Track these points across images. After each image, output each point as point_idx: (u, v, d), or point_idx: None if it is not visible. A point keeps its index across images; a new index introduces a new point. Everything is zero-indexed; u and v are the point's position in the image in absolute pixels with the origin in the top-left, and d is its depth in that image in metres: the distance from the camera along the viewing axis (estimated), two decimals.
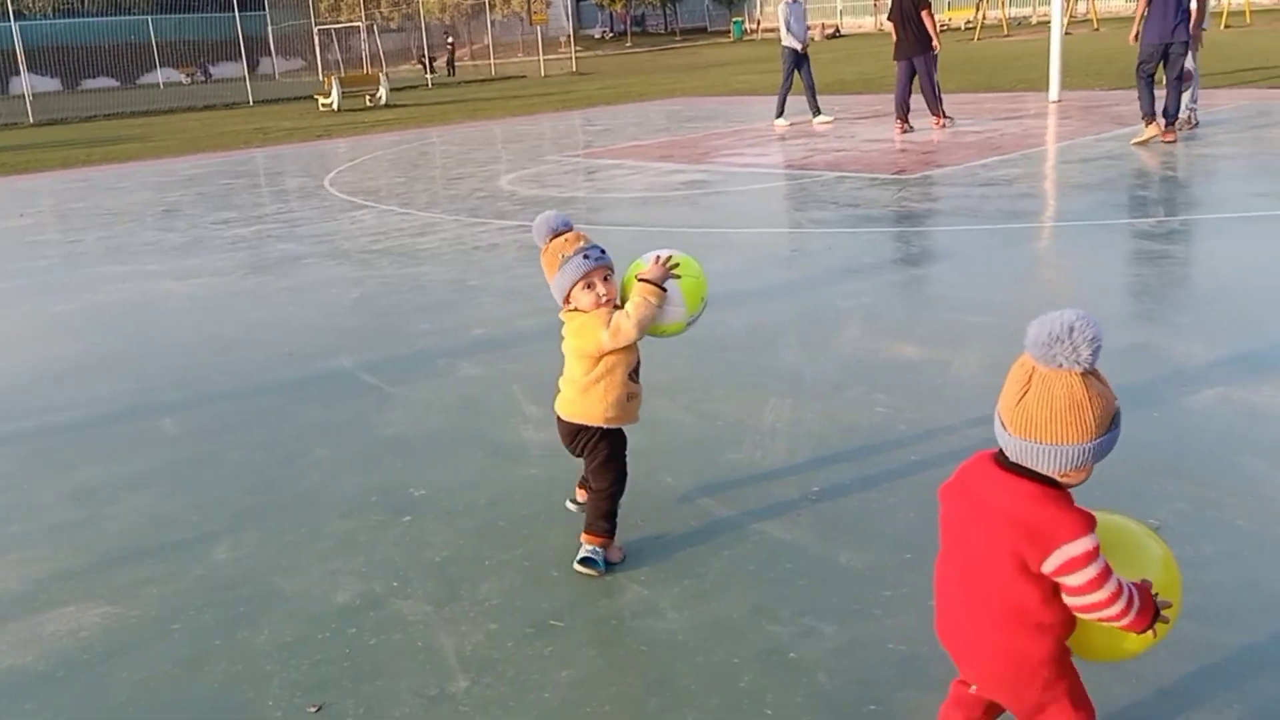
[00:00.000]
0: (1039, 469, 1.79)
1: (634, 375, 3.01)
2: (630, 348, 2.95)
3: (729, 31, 51.17)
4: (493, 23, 47.01)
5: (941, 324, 5.15)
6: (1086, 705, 1.93)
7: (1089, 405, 1.73)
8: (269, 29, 42.76)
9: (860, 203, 8.71)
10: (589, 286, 2.89)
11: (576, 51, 41.98)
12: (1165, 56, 9.81)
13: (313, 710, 2.47)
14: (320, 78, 32.02)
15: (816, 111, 14.31)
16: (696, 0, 56.91)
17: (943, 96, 12.97)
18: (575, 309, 2.95)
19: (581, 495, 3.24)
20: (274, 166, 14.87)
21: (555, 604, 2.86)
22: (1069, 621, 1.85)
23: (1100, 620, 1.81)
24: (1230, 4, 31.97)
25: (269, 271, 7.53)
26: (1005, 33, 36.85)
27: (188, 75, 49.13)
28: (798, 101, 14.57)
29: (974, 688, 2.05)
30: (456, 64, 41.86)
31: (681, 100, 21.35)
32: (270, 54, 46.70)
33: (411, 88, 32.87)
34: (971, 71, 21.70)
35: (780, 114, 14.41)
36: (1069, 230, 7.09)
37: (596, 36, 55.57)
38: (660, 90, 24.36)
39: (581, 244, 2.92)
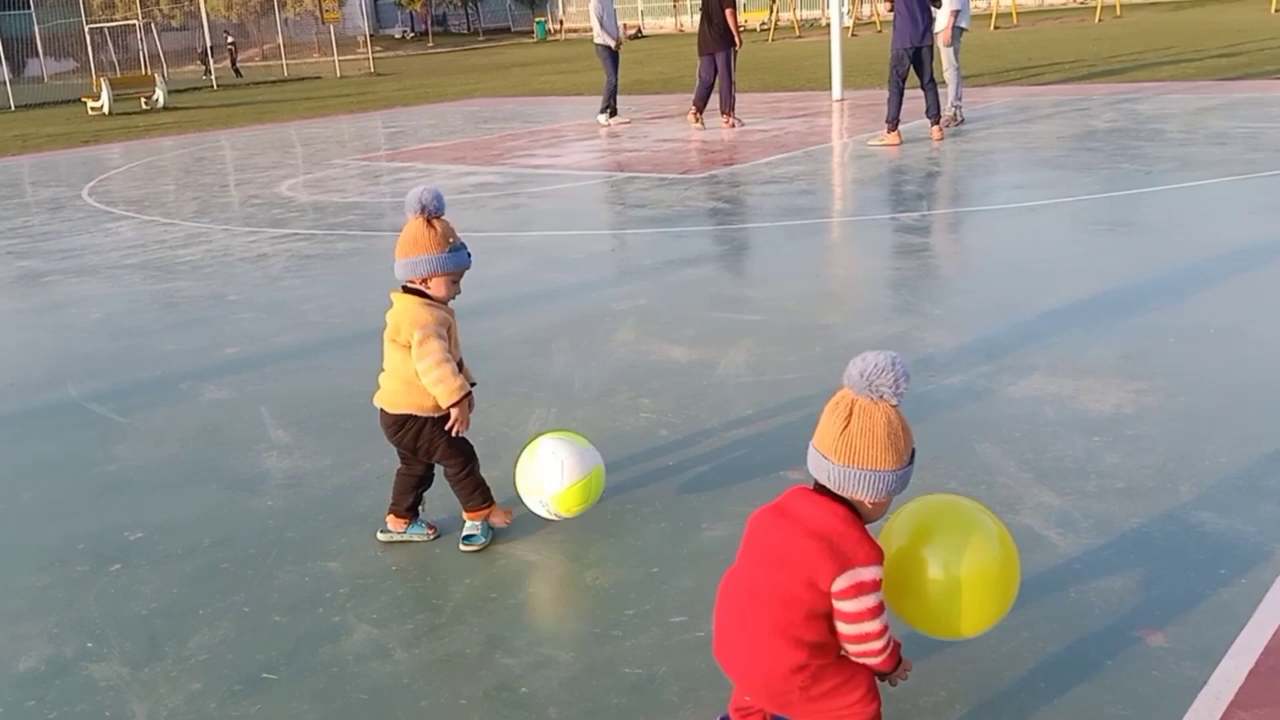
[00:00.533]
0: (857, 494, 1.93)
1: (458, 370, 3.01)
2: (449, 348, 2.94)
3: (533, 32, 50.93)
4: (285, 21, 45.16)
5: (712, 324, 5.15)
6: (868, 698, 1.97)
7: (902, 433, 1.92)
8: (35, 28, 39.51)
9: (646, 203, 8.70)
10: (455, 281, 2.96)
11: (376, 52, 40.79)
12: (916, 60, 10.24)
13: None
14: (95, 80, 29.80)
15: (613, 112, 14.30)
16: (498, 1, 56.31)
17: (735, 96, 13.20)
18: (419, 292, 2.92)
19: (395, 524, 3.14)
20: (29, 176, 13.66)
21: (272, 654, 2.61)
22: (825, 647, 1.93)
23: (860, 654, 1.93)
24: (999, 5, 34.14)
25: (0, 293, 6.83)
26: (797, 34, 38.16)
27: None
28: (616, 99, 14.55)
29: (748, 698, 2.11)
30: (244, 65, 39.90)
31: (481, 101, 21.02)
32: (38, 55, 43.17)
33: (195, 89, 31.10)
34: (764, 71, 22.29)
35: (613, 112, 14.21)
36: (840, 226, 7.28)
37: (397, 36, 54.16)
38: (460, 91, 23.91)
39: (460, 239, 2.95)
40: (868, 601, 1.87)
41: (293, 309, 5.92)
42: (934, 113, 10.41)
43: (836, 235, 7.04)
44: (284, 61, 37.32)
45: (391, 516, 3.14)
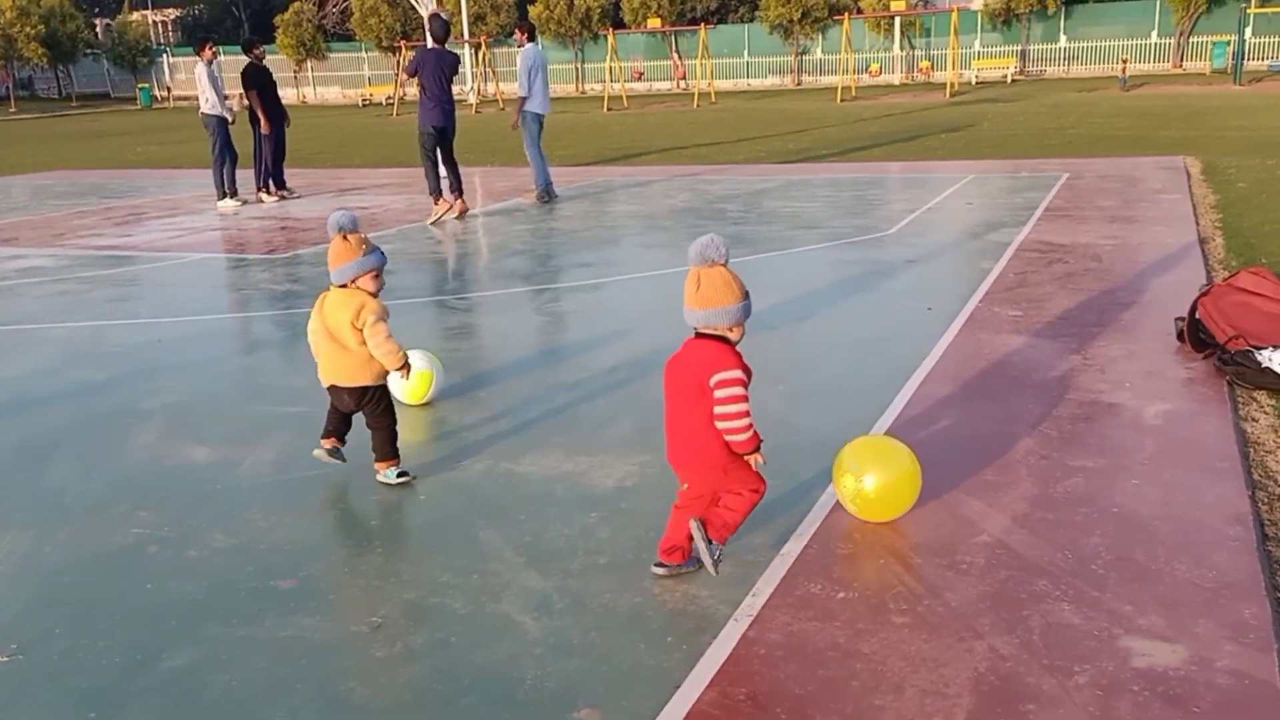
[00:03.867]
0: (718, 326, 2.97)
1: None
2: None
3: (136, 98, 47.28)
4: None
5: (250, 418, 4.87)
6: (759, 481, 3.11)
7: (734, 281, 2.97)
8: None
9: (215, 286, 8.22)
10: (377, 276, 3.89)
11: None
12: (442, 138, 10.95)
13: None
14: None
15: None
16: (94, 65, 51.77)
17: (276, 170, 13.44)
18: (355, 288, 3.85)
19: (328, 443, 4.06)
20: None
21: None
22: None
23: (729, 430, 2.96)
24: (610, 89, 36.42)
25: None
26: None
27: None
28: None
29: (685, 485, 3.12)
30: None
31: (60, 174, 19.07)
32: None
33: None
34: (383, 145, 22.14)
35: (225, 194, 12.82)
36: (408, 307, 7.21)
37: None
38: (38, 162, 21.58)
39: (373, 244, 3.89)
40: (730, 391, 2.92)
41: None
42: (456, 188, 11.12)
43: (401, 318, 6.97)
44: None
45: (334, 440, 4.08)
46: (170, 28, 59.46)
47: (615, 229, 10.15)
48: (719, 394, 2.90)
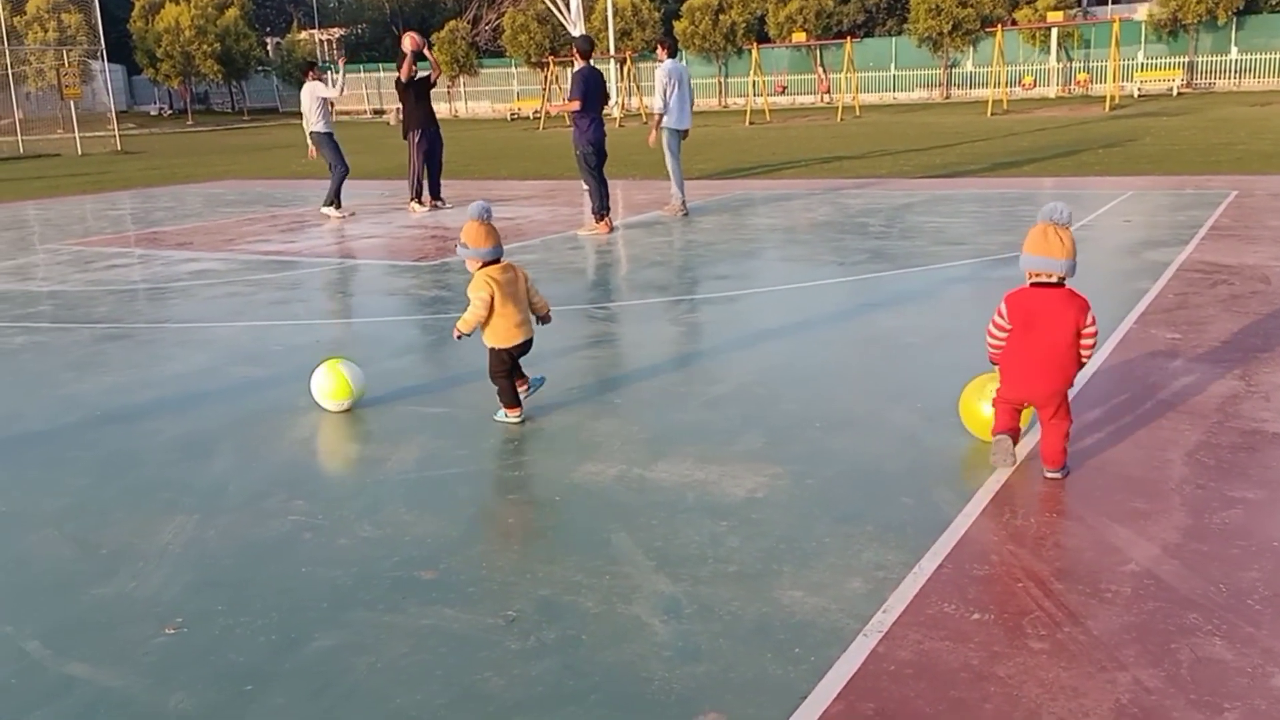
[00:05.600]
0: (1069, 275, 3.82)
1: None
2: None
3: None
4: (27, 96, 42.30)
5: (397, 416, 5.08)
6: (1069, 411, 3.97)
7: (1074, 242, 3.82)
8: None
9: (371, 292, 8.60)
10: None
11: (128, 129, 38.80)
12: (599, 156, 11.12)
13: None
14: None
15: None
16: (264, 81, 54.94)
17: (424, 182, 13.76)
18: (508, 265, 4.79)
19: (523, 386, 4.99)
20: None
21: None
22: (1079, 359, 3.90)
23: (1089, 354, 3.92)
24: (753, 103, 36.41)
25: None
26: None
27: None
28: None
29: (1025, 404, 3.99)
30: None
31: (230, 183, 20.30)
32: None
33: None
34: (529, 158, 22.71)
35: (338, 204, 13.60)
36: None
37: (153, 114, 51.70)
38: (211, 172, 23.03)
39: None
40: (1097, 326, 3.88)
41: None
42: (605, 207, 11.19)
43: (541, 326, 7.13)
44: (19, 138, 34.79)
45: (523, 383, 5.00)
46: (335, 45, 62.43)
47: (753, 242, 10.14)
48: (1089, 329, 3.82)
